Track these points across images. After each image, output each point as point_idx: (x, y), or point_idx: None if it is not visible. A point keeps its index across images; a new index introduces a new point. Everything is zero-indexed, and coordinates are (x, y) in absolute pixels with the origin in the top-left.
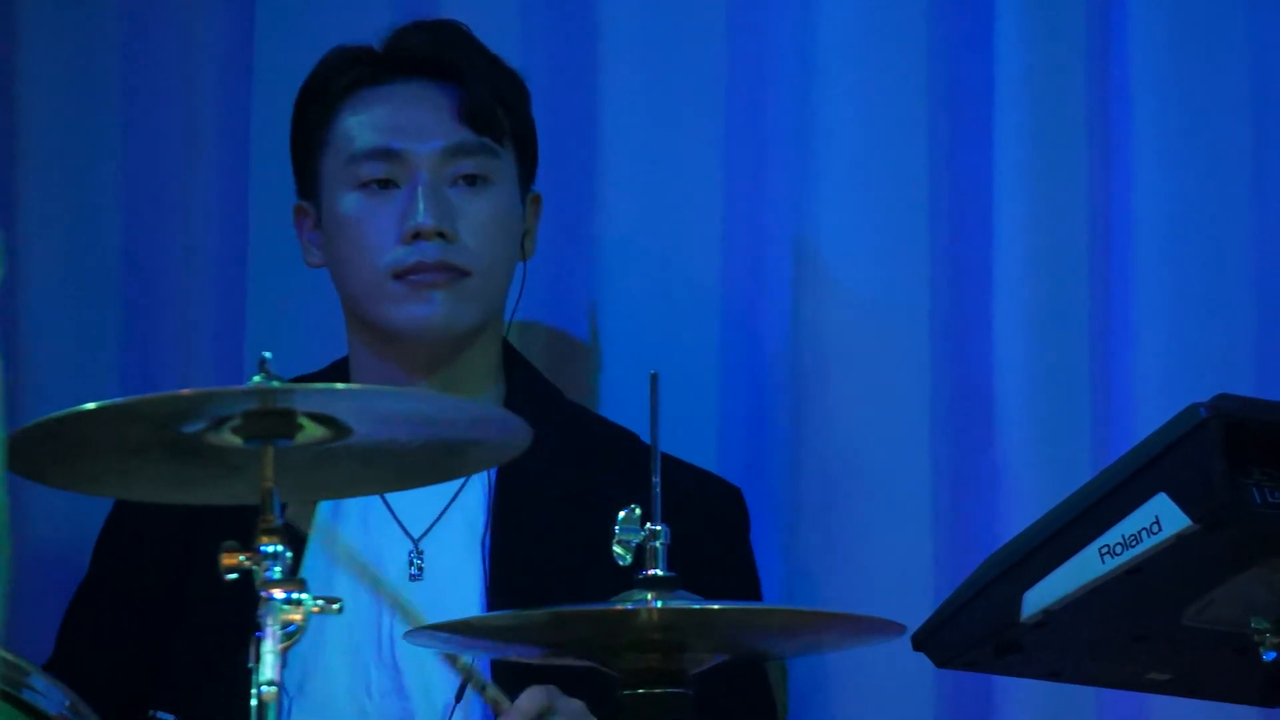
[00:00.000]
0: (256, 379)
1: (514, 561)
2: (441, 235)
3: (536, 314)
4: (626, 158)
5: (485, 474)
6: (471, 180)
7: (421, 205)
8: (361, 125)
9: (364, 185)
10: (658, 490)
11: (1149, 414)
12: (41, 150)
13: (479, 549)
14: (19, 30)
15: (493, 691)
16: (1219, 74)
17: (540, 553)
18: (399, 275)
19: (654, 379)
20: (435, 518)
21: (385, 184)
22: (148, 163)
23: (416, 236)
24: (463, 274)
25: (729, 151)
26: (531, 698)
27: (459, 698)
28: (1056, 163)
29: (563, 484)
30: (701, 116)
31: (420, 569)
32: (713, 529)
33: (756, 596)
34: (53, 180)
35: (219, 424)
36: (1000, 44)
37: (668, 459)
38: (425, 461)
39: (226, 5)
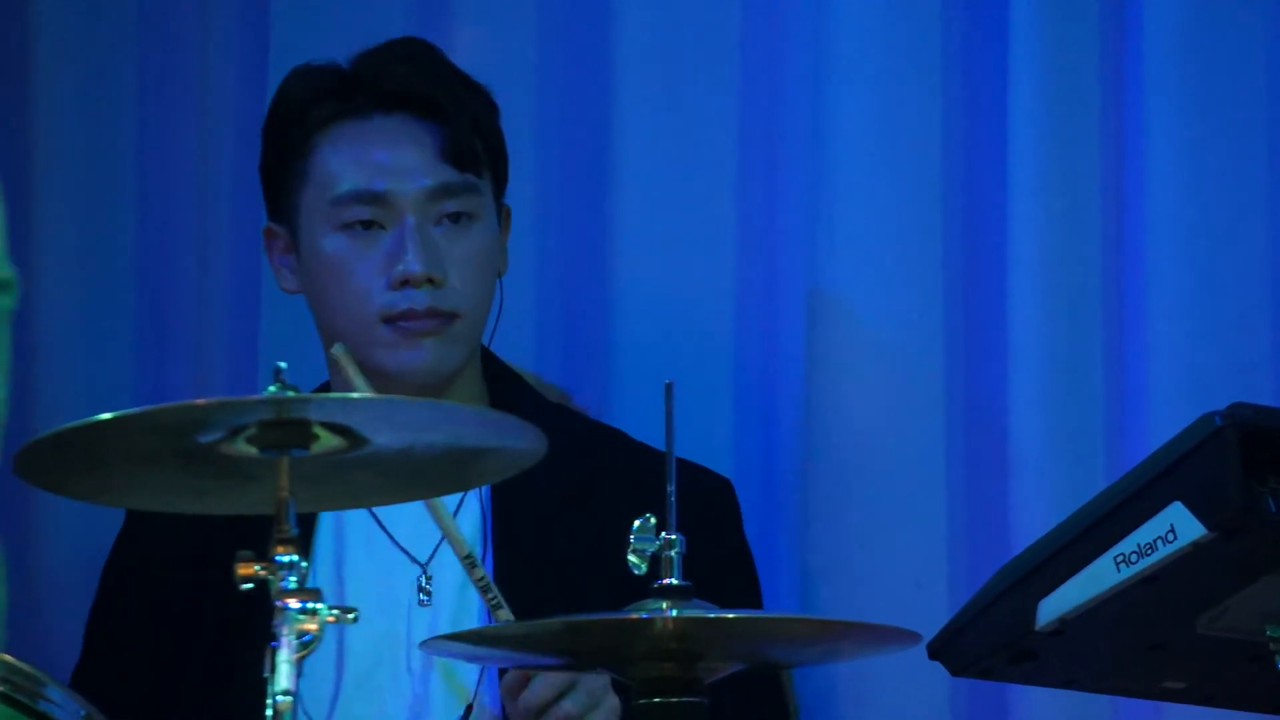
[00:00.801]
0: (272, 389)
1: (517, 574)
2: (430, 281)
3: (550, 325)
4: (640, 167)
5: (478, 491)
6: (456, 218)
7: (410, 252)
8: (344, 164)
9: (348, 226)
10: (673, 499)
11: (1164, 422)
12: (57, 161)
13: (482, 565)
14: (33, 42)
15: (492, 592)
16: (1233, 81)
17: (542, 561)
18: (388, 320)
19: (669, 388)
20: (439, 540)
21: (369, 225)
22: (162, 173)
23: (405, 283)
24: (451, 317)
25: (742, 168)
26: (550, 679)
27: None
28: (1070, 174)
29: (557, 489)
30: (714, 132)
31: (429, 594)
32: (704, 522)
33: (754, 586)
34: (68, 191)
35: (234, 434)
36: (1015, 54)
37: (655, 454)
38: (441, 471)
39: (242, 12)
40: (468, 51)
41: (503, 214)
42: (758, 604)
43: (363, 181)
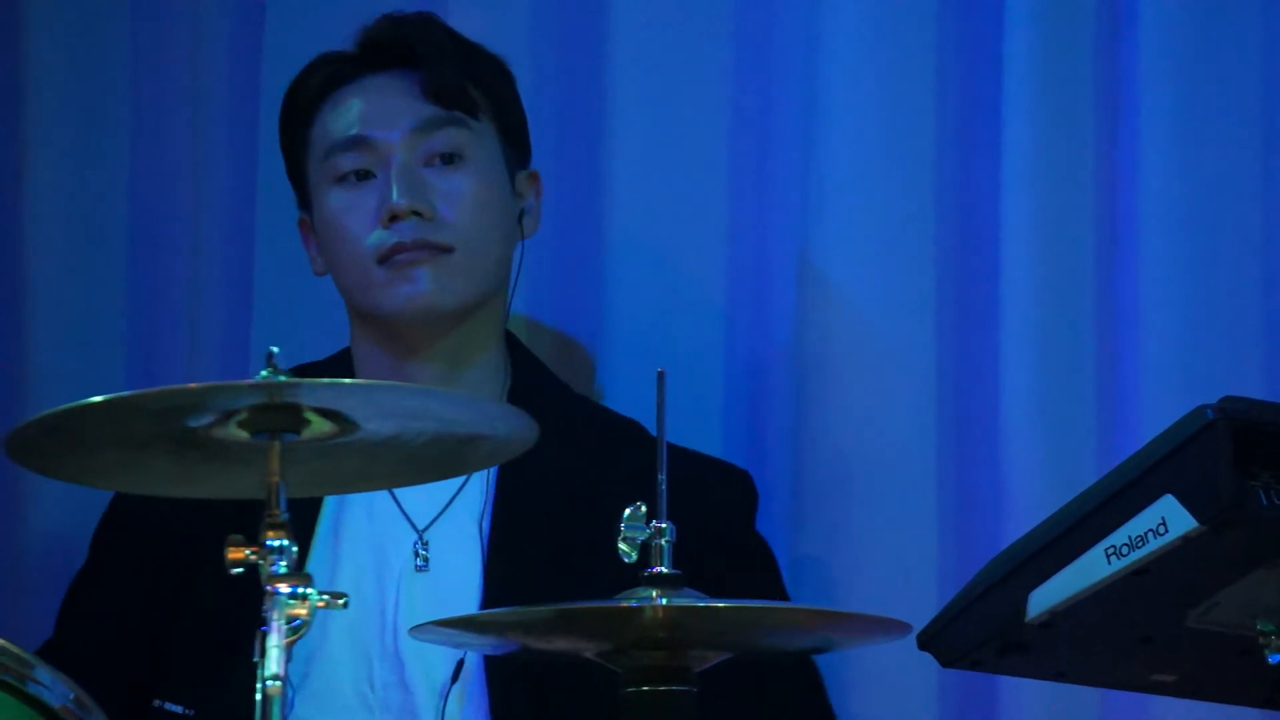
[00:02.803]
0: (264, 373)
1: (512, 554)
2: (417, 214)
3: (541, 310)
4: (632, 156)
5: (485, 473)
6: (449, 159)
7: (395, 187)
8: (335, 122)
9: (342, 179)
10: (663, 488)
11: (1155, 416)
12: (49, 148)
13: (480, 540)
14: (26, 32)
15: None
16: (1227, 79)
17: (540, 545)
18: (382, 260)
19: (661, 376)
20: (440, 509)
21: (363, 175)
22: (155, 158)
23: (393, 219)
24: (444, 250)
25: (734, 153)
26: None
27: (455, 678)
28: (1063, 166)
29: (566, 477)
30: (706, 116)
31: (426, 560)
32: (724, 515)
33: (776, 576)
34: (60, 177)
35: (226, 418)
36: (1009, 49)
37: (674, 449)
38: (431, 457)
39: (236, 3)
40: (462, 30)
41: (526, 176)
42: (783, 597)
43: (349, 129)
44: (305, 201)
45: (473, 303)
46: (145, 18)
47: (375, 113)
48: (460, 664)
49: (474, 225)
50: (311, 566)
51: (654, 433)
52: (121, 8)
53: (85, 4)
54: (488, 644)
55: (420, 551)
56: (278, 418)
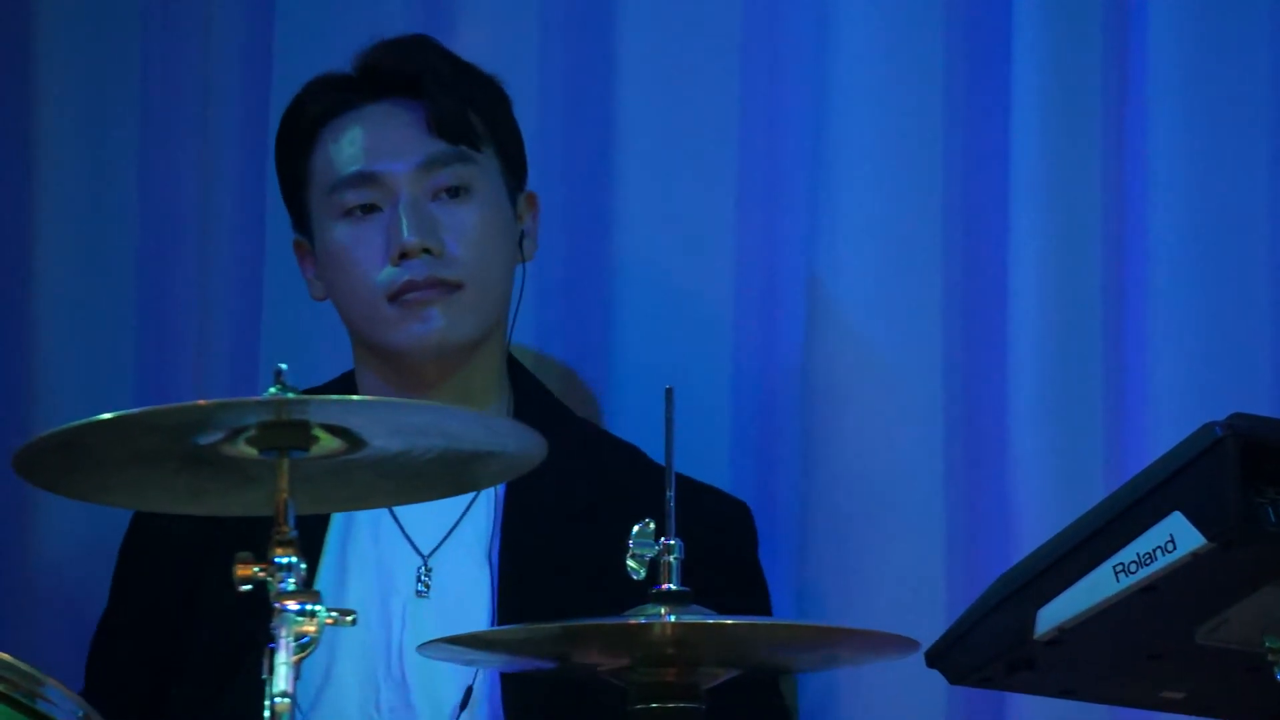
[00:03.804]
0: (272, 390)
1: (522, 577)
2: (427, 251)
3: (548, 333)
4: (640, 180)
5: (494, 490)
6: (454, 192)
7: (405, 224)
8: (338, 154)
9: (348, 213)
10: (672, 505)
11: (1163, 433)
12: (59, 162)
13: (487, 565)
14: (36, 42)
15: None
16: (1236, 93)
17: (548, 568)
18: (393, 297)
19: (669, 394)
20: (445, 534)
21: (369, 209)
22: (164, 175)
23: (403, 256)
24: (454, 287)
25: (741, 174)
26: None
27: (464, 705)
28: (1071, 185)
29: (571, 499)
30: (714, 137)
31: (427, 586)
32: (722, 545)
33: (767, 611)
34: (70, 192)
35: (234, 435)
36: (1017, 66)
37: (676, 476)
38: (439, 474)
39: (245, 14)
40: (470, 49)
41: (525, 199)
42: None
43: (355, 164)
44: (303, 227)
45: (480, 336)
46: (155, 31)
47: (380, 146)
48: (469, 691)
49: (481, 260)
50: (319, 589)
51: (653, 457)
52: (132, 22)
53: (95, 16)
54: (496, 661)
55: (423, 578)
56: (286, 435)
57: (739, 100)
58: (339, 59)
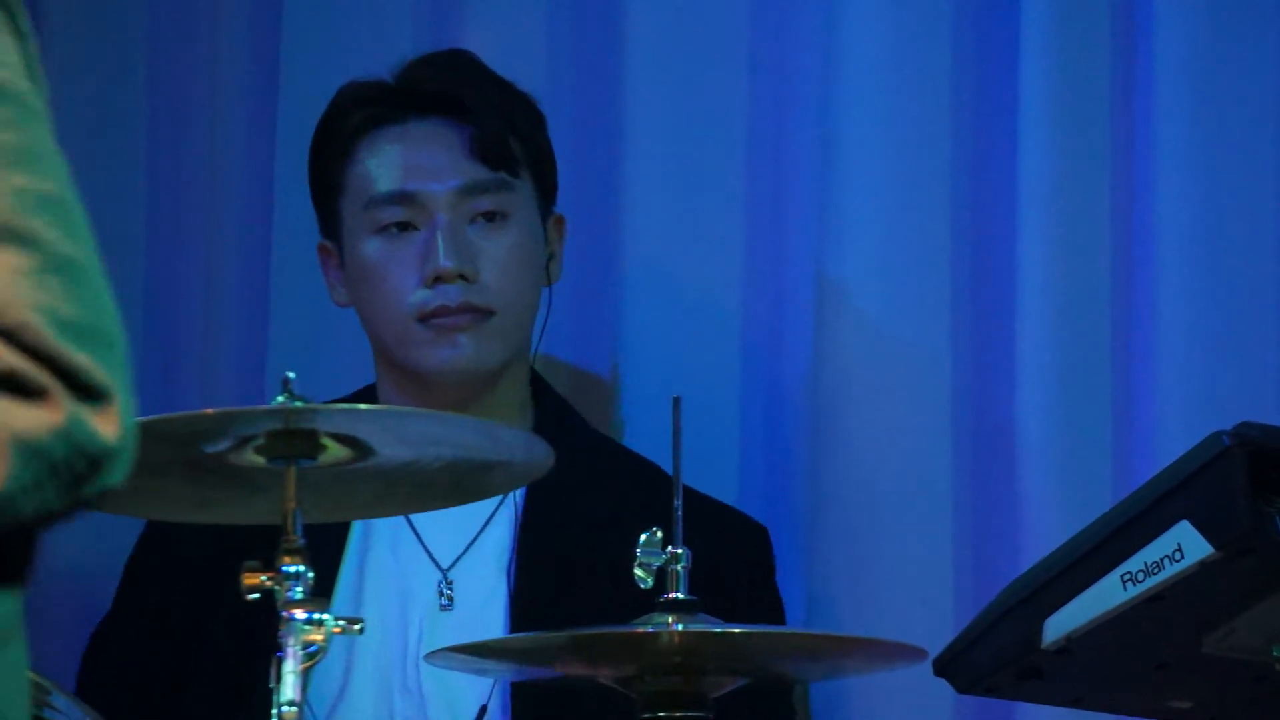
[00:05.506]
0: (280, 399)
1: (539, 591)
2: (463, 277)
3: (558, 342)
4: (649, 186)
5: (513, 504)
6: (490, 216)
7: (441, 248)
8: (378, 168)
9: (383, 230)
10: (679, 514)
11: (1171, 441)
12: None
13: (505, 579)
14: (42, 49)
15: None
16: (1245, 97)
17: (566, 582)
18: (423, 319)
19: (677, 403)
20: (464, 547)
21: (404, 227)
22: (171, 184)
23: (438, 280)
24: (487, 314)
25: (750, 180)
26: None
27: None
28: (1080, 191)
29: (589, 514)
30: (722, 144)
31: (450, 599)
32: (738, 566)
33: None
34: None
35: (242, 444)
36: (1024, 71)
37: (692, 493)
38: (448, 483)
39: (251, 26)
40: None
41: (553, 222)
42: None
43: (394, 183)
44: (333, 234)
45: (506, 363)
46: (162, 37)
47: (420, 166)
48: (484, 709)
49: (514, 288)
50: (337, 601)
51: (668, 466)
52: (139, 28)
53: (102, 24)
54: (504, 670)
55: (445, 590)
56: (294, 443)
57: (746, 106)
58: (346, 70)
